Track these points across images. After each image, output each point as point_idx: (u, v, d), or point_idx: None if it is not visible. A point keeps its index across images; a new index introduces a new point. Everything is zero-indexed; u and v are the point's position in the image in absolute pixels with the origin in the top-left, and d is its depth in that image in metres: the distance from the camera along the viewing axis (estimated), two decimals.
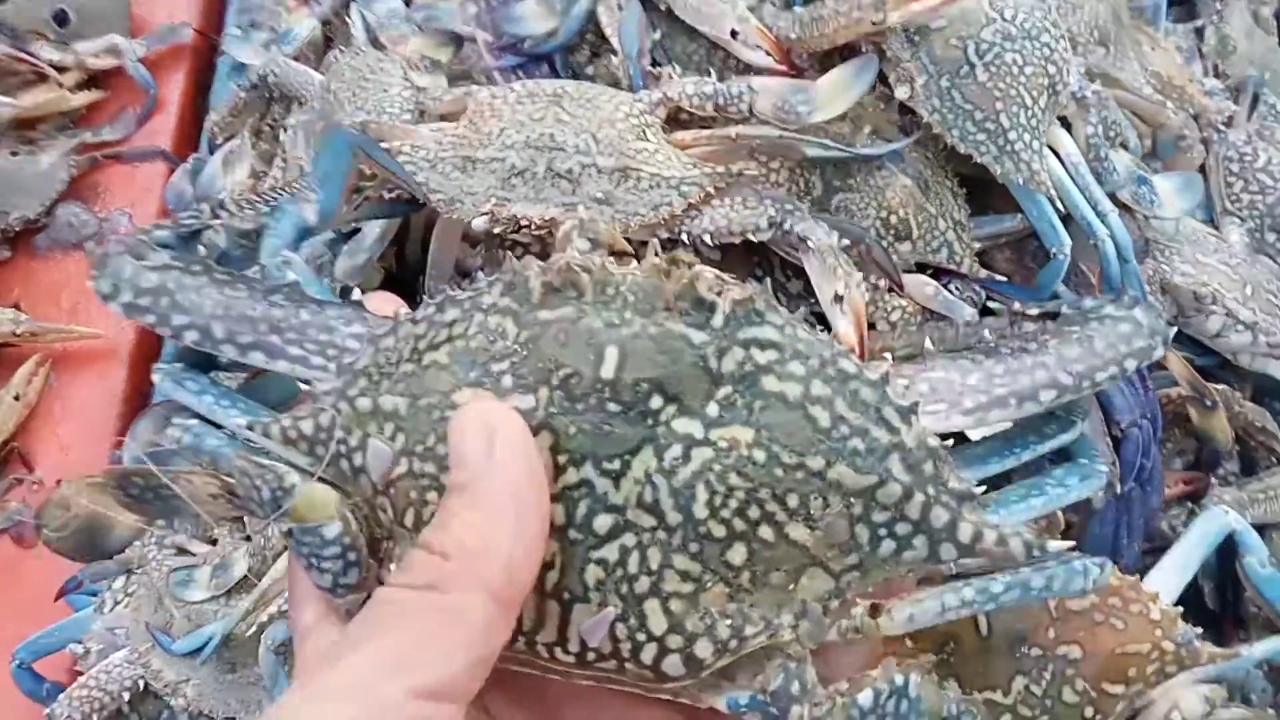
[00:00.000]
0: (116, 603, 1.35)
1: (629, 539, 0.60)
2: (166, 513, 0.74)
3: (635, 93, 1.22)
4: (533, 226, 1.09)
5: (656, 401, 0.60)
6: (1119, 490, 1.14)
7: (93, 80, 2.01)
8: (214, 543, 1.37)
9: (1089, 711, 1.07)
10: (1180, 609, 1.11)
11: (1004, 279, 1.22)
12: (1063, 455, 0.77)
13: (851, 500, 0.61)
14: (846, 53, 1.18)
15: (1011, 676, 1.06)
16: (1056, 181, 1.14)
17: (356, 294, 0.85)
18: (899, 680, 0.64)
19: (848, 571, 0.63)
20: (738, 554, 0.61)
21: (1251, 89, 1.67)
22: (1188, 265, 1.34)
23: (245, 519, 1.34)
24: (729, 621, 0.61)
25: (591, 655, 0.61)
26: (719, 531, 0.60)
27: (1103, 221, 1.15)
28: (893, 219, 1.17)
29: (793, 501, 0.60)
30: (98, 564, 1.43)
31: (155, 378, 0.80)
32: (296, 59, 1.60)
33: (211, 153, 1.69)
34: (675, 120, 1.20)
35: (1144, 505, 1.21)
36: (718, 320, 0.61)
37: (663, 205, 1.09)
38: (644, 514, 0.60)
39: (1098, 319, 0.74)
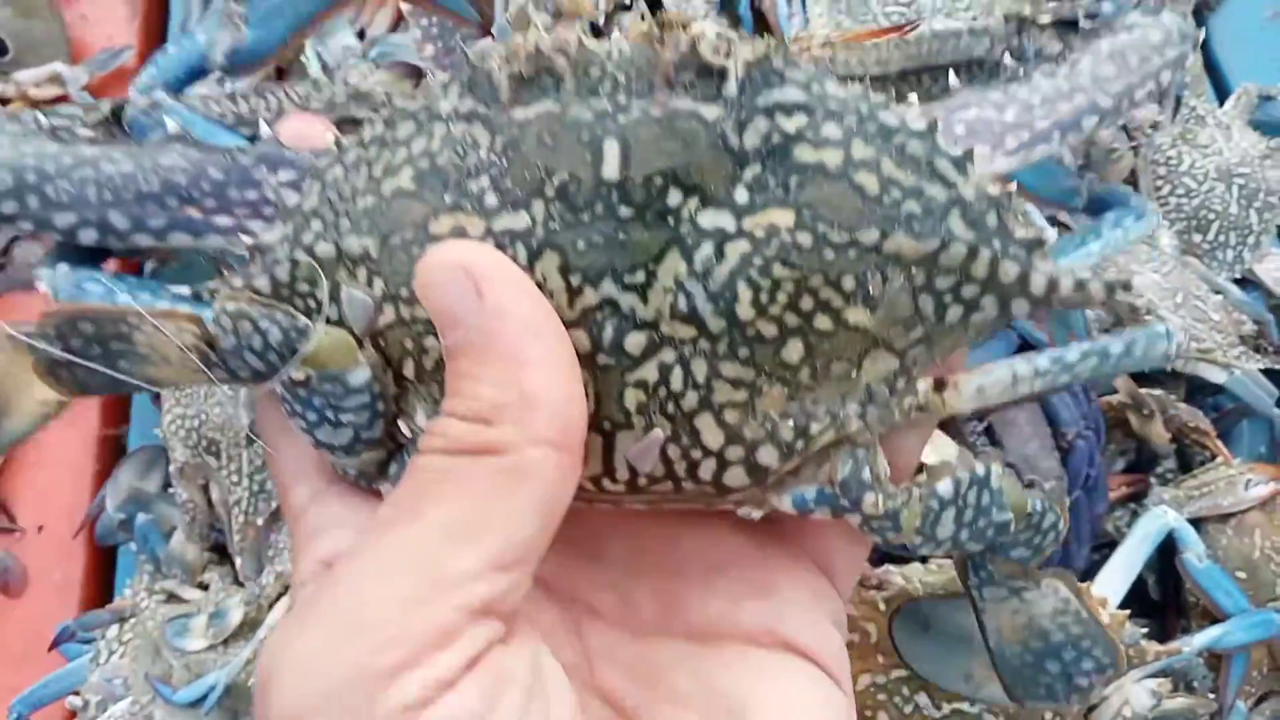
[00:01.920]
0: (112, 652, 1.38)
1: (668, 354, 0.52)
2: (94, 386, 0.57)
3: None
4: None
5: (675, 196, 0.51)
6: (1067, 500, 1.22)
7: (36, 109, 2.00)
8: (204, 588, 1.41)
9: (1049, 714, 1.16)
10: (1127, 611, 1.20)
11: None
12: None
13: (914, 270, 0.53)
14: None
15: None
16: None
17: (265, 129, 0.62)
18: (980, 470, 0.58)
19: (913, 347, 0.55)
20: (794, 351, 0.53)
21: (1174, 92, 1.76)
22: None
23: (236, 563, 1.38)
24: (791, 422, 0.54)
25: (643, 481, 0.54)
26: (770, 331, 0.52)
27: None
28: None
29: (849, 284, 0.52)
30: (91, 614, 1.46)
31: (41, 286, 0.61)
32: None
33: None
34: None
35: (1090, 512, 1.29)
36: (731, 88, 0.51)
37: None
38: (680, 325, 0.52)
39: (1126, 29, 0.64)
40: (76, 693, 1.38)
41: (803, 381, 0.54)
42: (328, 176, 0.55)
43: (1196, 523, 1.36)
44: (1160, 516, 1.30)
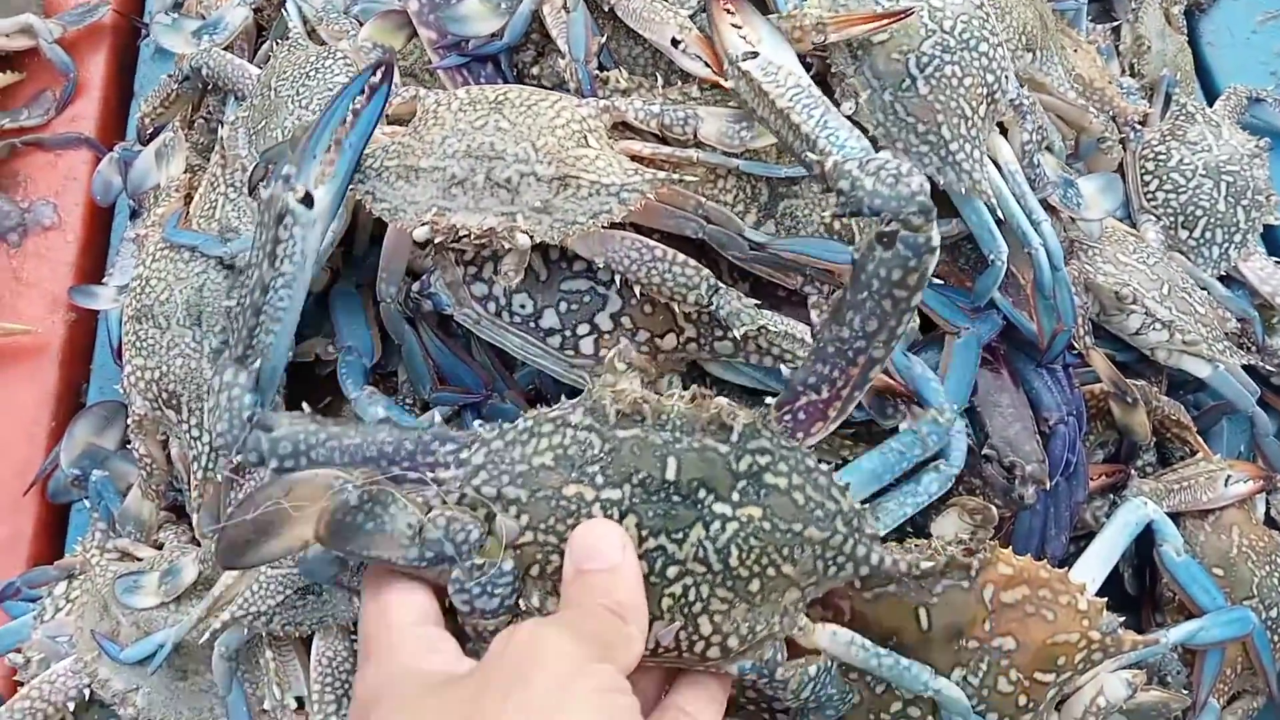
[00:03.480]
0: (58, 610, 1.33)
1: (688, 580, 0.96)
2: (349, 547, 0.92)
3: (583, 96, 1.23)
4: (472, 236, 1.10)
5: (702, 493, 0.96)
6: (1048, 486, 1.20)
7: (7, 62, 1.94)
8: (159, 547, 1.36)
9: (1022, 700, 1.14)
10: (1105, 599, 1.17)
11: (940, 281, 1.26)
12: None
13: (816, 547, 0.98)
14: None
15: (951, 668, 1.11)
16: (995, 190, 1.19)
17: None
18: (828, 664, 1.04)
19: (809, 586, 1.00)
20: (754, 585, 0.97)
21: (1164, 89, 1.75)
22: (1109, 265, 1.40)
23: (193, 520, 1.33)
24: (748, 625, 0.98)
25: (661, 650, 0.97)
26: (744, 572, 0.96)
27: (1036, 230, 1.19)
28: (836, 224, 1.21)
29: (785, 551, 0.97)
30: (37, 570, 1.41)
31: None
32: (228, 49, 1.56)
33: (141, 142, 1.64)
34: (623, 125, 1.21)
35: (1069, 499, 1.27)
36: (734, 437, 0.97)
37: (601, 213, 1.10)
38: (698, 565, 0.95)
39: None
40: (19, 649, 1.33)
41: (756, 603, 0.97)
42: (492, 445, 0.97)
43: (1175, 518, 1.35)
44: (1140, 507, 1.28)
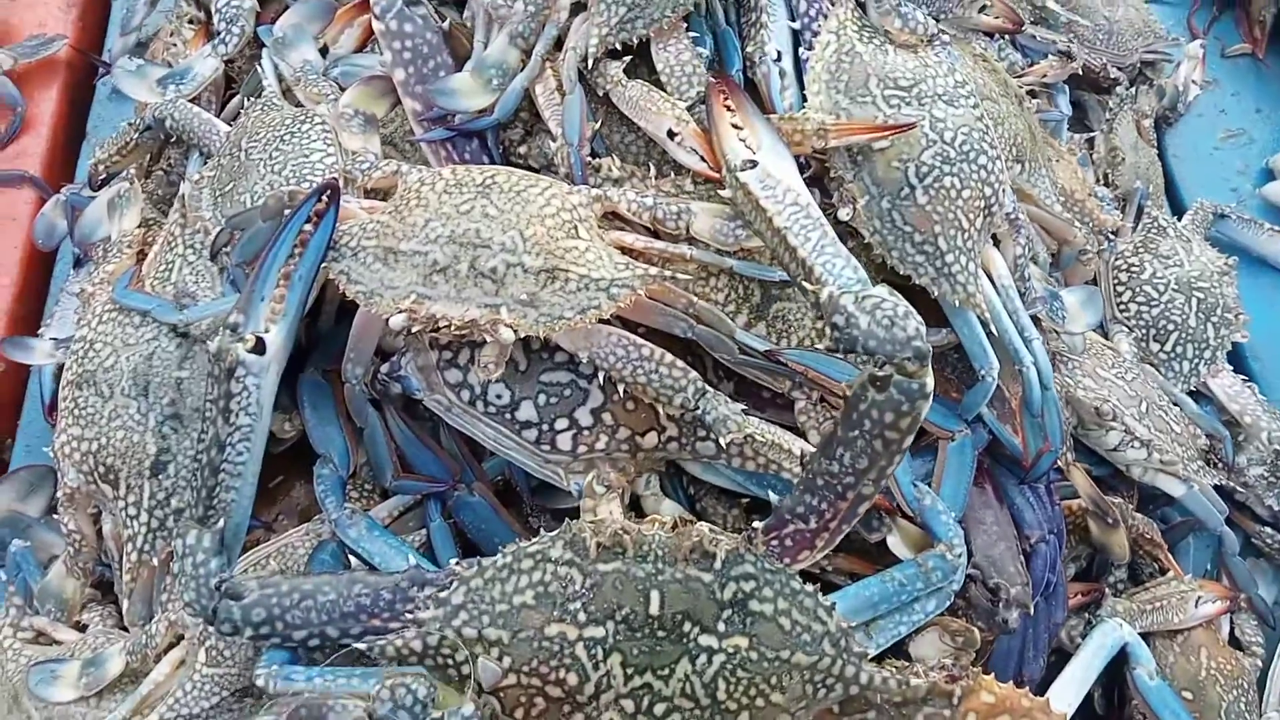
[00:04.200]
0: None
1: (676, 717, 0.95)
2: None
3: (574, 182, 1.19)
4: (452, 326, 1.05)
5: (687, 626, 0.95)
6: (1031, 610, 1.17)
7: None
8: (82, 629, 1.25)
9: None
10: None
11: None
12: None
13: (804, 671, 0.97)
14: None
15: None
16: (988, 304, 1.17)
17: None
18: None
19: (799, 711, 0.99)
20: (744, 718, 0.97)
21: (1138, 200, 1.77)
22: (1089, 379, 1.39)
23: (123, 605, 1.23)
24: None
25: None
26: (732, 705, 0.96)
27: (1028, 348, 1.18)
28: (828, 329, 1.17)
29: (773, 680, 0.97)
30: None
31: (260, 679, 0.99)
32: (195, 101, 1.49)
33: (92, 188, 1.55)
34: (614, 215, 1.17)
35: (1048, 619, 1.24)
36: (718, 564, 0.96)
37: (590, 309, 1.05)
38: (686, 700, 0.95)
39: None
40: None
41: None
42: (471, 583, 0.98)
43: (1145, 637, 1.32)
44: (1115, 629, 1.26)
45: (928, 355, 0.90)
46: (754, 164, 1.09)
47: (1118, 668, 1.32)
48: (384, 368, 1.17)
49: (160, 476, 1.19)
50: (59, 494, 1.26)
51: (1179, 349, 1.58)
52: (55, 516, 1.33)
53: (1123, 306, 1.61)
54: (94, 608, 1.28)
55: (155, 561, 1.19)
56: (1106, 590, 1.37)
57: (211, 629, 1.08)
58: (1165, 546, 1.42)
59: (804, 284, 0.98)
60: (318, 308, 1.24)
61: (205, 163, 1.36)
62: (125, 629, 1.23)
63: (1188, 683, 1.35)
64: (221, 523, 1.02)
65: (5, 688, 1.19)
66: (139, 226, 1.40)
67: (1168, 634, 1.39)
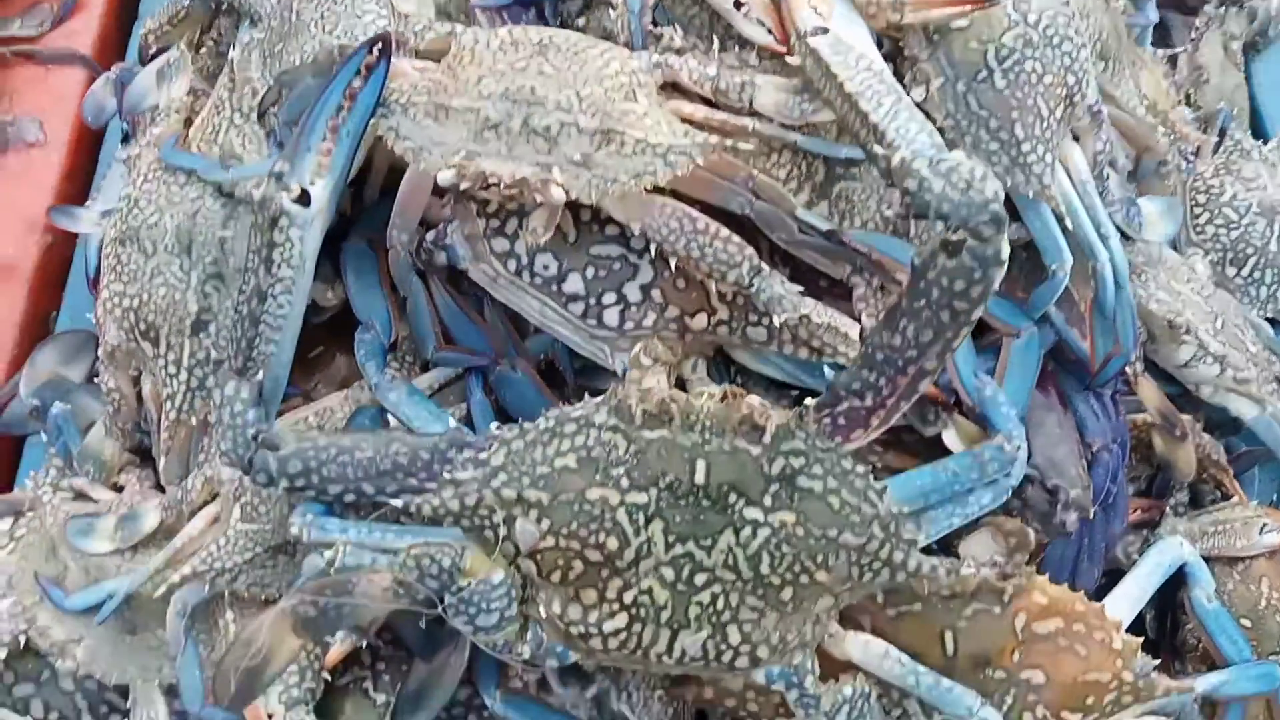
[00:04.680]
0: (1, 547, 1.22)
1: (717, 588, 0.93)
2: (333, 630, 0.95)
3: (633, 50, 1.14)
4: (501, 185, 1.01)
5: (733, 497, 0.92)
6: (1090, 514, 1.12)
7: None
8: (119, 490, 1.25)
9: None
10: (1140, 639, 1.10)
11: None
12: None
13: (852, 552, 0.94)
14: None
15: None
16: (1064, 198, 1.11)
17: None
18: (866, 689, 1.00)
19: (843, 593, 0.97)
20: (786, 593, 0.95)
21: (1220, 123, 1.69)
22: (1163, 292, 1.33)
23: (159, 464, 1.23)
24: (779, 634, 0.96)
25: (688, 659, 0.95)
26: (775, 581, 0.94)
27: (1104, 244, 1.12)
28: (890, 214, 1.13)
29: (819, 558, 0.94)
30: None
31: (294, 528, 1.00)
32: None
33: (142, 63, 1.53)
34: (674, 86, 1.12)
35: (1105, 530, 1.20)
36: (767, 438, 0.92)
37: (645, 174, 1.01)
38: (728, 572, 0.93)
39: None
40: None
41: (787, 611, 0.95)
42: (512, 445, 0.95)
43: (1205, 562, 1.28)
44: (1176, 547, 1.21)
45: (1004, 220, 0.85)
46: (824, 30, 1.03)
47: (1172, 593, 1.28)
48: (429, 235, 1.13)
49: (200, 335, 1.17)
50: (99, 354, 1.25)
51: (1257, 274, 1.51)
52: (95, 381, 1.33)
53: (1199, 229, 1.54)
54: (131, 470, 1.28)
55: (193, 421, 1.18)
56: (1167, 509, 1.32)
57: (247, 483, 1.07)
58: (1230, 471, 1.37)
59: (875, 149, 0.93)
60: (362, 179, 1.21)
61: (255, 28, 1.33)
62: (161, 491, 1.23)
63: (1247, 611, 1.30)
64: (260, 375, 1.01)
65: (43, 539, 1.20)
66: (187, 94, 1.38)
67: (1228, 561, 1.33)
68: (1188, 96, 1.73)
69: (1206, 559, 1.30)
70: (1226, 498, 1.39)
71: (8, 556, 1.20)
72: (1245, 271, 1.50)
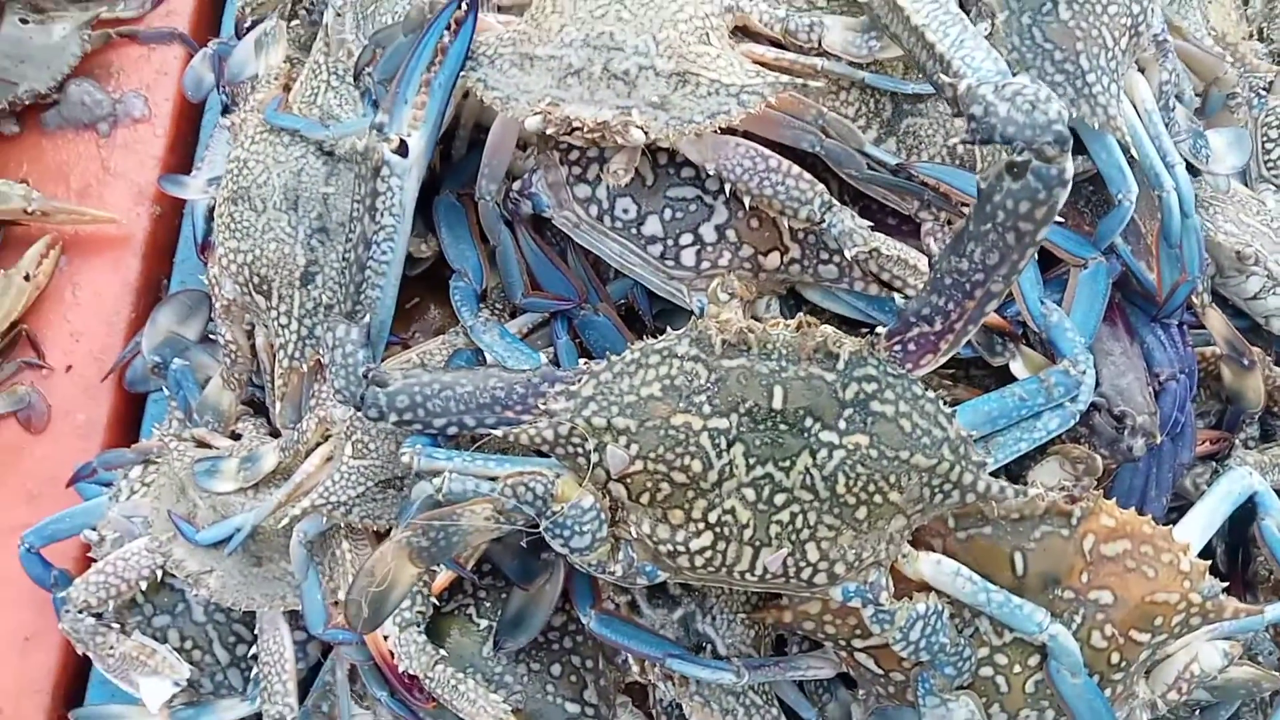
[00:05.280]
0: (134, 491, 1.33)
1: (796, 508, 0.98)
2: (446, 556, 1.02)
3: None
4: (585, 129, 1.07)
5: (809, 421, 0.98)
6: (1158, 440, 1.15)
7: None
8: (236, 438, 1.35)
9: (1115, 657, 1.09)
10: (1208, 561, 1.13)
11: (1060, 220, 1.20)
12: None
13: (923, 474, 0.98)
14: None
15: None
16: (1129, 128, 1.13)
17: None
18: (938, 606, 1.04)
19: (915, 514, 1.02)
20: (861, 513, 0.99)
21: None
22: (1231, 224, 1.34)
23: (273, 411, 1.32)
24: (854, 552, 1.01)
25: (769, 576, 1.01)
26: (851, 500, 0.99)
27: (1170, 173, 1.14)
28: (959, 149, 1.16)
29: (892, 479, 0.98)
30: (113, 451, 1.41)
31: (405, 457, 1.06)
32: None
33: (238, 35, 1.62)
34: (744, 31, 1.17)
35: (1174, 459, 1.22)
36: (841, 365, 0.98)
37: (720, 113, 1.06)
38: (805, 492, 0.98)
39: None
40: (93, 528, 1.33)
41: (862, 530, 1.00)
42: (601, 377, 1.01)
43: (1275, 494, 1.29)
44: (1245, 477, 1.22)
45: (1068, 140, 0.87)
46: None
47: (1243, 529, 1.29)
48: (515, 185, 1.20)
49: (309, 286, 1.26)
50: (216, 307, 1.35)
51: None
52: (210, 336, 1.43)
53: (1271, 164, 1.53)
54: (247, 420, 1.37)
55: (304, 368, 1.26)
56: (1237, 442, 1.33)
57: (358, 421, 1.16)
58: None
59: (941, 78, 0.96)
60: (451, 134, 1.28)
61: None
62: (275, 437, 1.32)
63: None
64: (368, 318, 1.09)
65: (173, 482, 1.30)
66: (284, 61, 1.46)
67: None
68: (1260, 31, 1.71)
69: (1278, 491, 1.32)
70: None
71: (142, 499, 1.32)
72: None
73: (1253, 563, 1.33)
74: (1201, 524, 1.21)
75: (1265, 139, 1.55)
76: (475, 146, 1.25)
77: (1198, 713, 1.28)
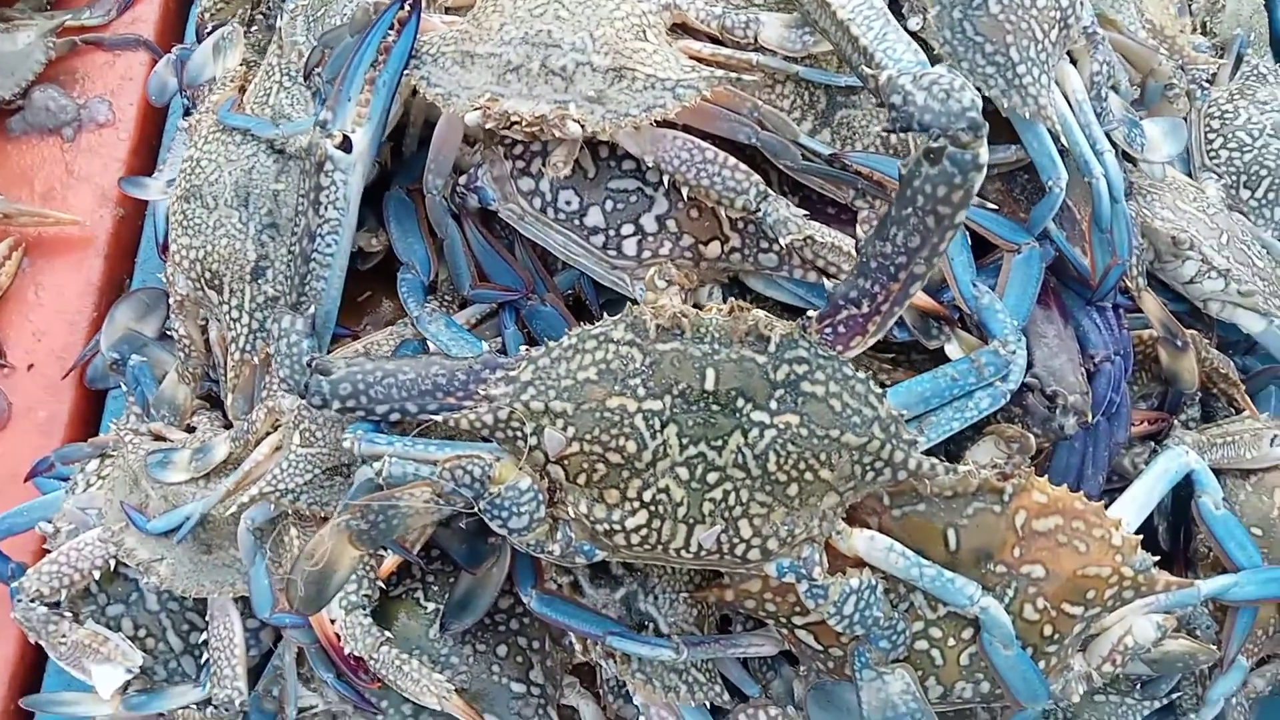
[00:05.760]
0: (89, 484, 1.35)
1: (729, 485, 1.01)
2: (386, 539, 1.04)
3: None
4: (523, 123, 1.09)
5: (740, 402, 1.00)
6: (1090, 419, 1.17)
7: None
8: (191, 431, 1.37)
9: (1048, 630, 1.12)
10: (1139, 536, 1.15)
11: (994, 209, 1.23)
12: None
13: (853, 452, 1.01)
14: None
15: None
16: (1060, 117, 1.16)
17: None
18: (872, 581, 1.06)
19: (847, 491, 1.04)
20: (792, 489, 1.02)
21: (1236, 49, 1.70)
22: (1167, 210, 1.37)
23: (227, 402, 1.34)
24: (787, 528, 1.03)
25: (704, 553, 1.04)
26: (782, 478, 1.01)
27: (1099, 160, 1.17)
28: (893, 139, 1.19)
29: (823, 457, 1.01)
30: (71, 446, 1.42)
31: (347, 443, 1.09)
32: None
33: (198, 39, 1.64)
34: (682, 27, 1.20)
35: (1109, 439, 1.24)
36: (772, 347, 1.00)
37: (655, 107, 1.09)
38: (738, 470, 1.01)
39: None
40: (49, 521, 1.34)
41: (794, 506, 1.03)
42: (539, 363, 1.04)
43: (1215, 474, 1.31)
44: (1181, 455, 1.25)
45: (982, 127, 0.91)
46: None
47: (1184, 508, 1.31)
48: (462, 179, 1.23)
49: (260, 281, 1.28)
50: (170, 304, 1.37)
51: (1271, 195, 1.53)
52: (168, 332, 1.45)
53: (1213, 154, 1.56)
54: (202, 413, 1.39)
55: (255, 360, 1.28)
56: (1175, 422, 1.36)
57: (305, 411, 1.18)
58: (1241, 385, 1.40)
59: (865, 70, 0.99)
60: (400, 133, 1.31)
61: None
62: (230, 429, 1.34)
63: (1258, 520, 1.33)
64: (313, 309, 1.11)
65: (127, 474, 1.32)
66: (240, 64, 1.48)
67: (1241, 474, 1.37)
68: (1204, 25, 1.75)
69: (1218, 472, 1.33)
70: (1239, 414, 1.42)
71: (97, 491, 1.34)
72: (1259, 193, 1.53)
73: (1193, 540, 1.35)
74: (1138, 501, 1.24)
75: (1207, 129, 1.58)
76: (425, 143, 1.27)
77: (1139, 686, 1.30)
